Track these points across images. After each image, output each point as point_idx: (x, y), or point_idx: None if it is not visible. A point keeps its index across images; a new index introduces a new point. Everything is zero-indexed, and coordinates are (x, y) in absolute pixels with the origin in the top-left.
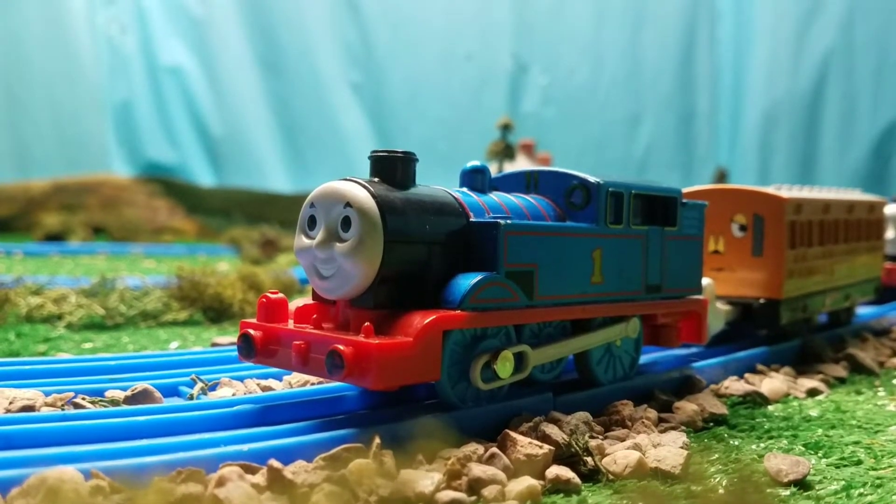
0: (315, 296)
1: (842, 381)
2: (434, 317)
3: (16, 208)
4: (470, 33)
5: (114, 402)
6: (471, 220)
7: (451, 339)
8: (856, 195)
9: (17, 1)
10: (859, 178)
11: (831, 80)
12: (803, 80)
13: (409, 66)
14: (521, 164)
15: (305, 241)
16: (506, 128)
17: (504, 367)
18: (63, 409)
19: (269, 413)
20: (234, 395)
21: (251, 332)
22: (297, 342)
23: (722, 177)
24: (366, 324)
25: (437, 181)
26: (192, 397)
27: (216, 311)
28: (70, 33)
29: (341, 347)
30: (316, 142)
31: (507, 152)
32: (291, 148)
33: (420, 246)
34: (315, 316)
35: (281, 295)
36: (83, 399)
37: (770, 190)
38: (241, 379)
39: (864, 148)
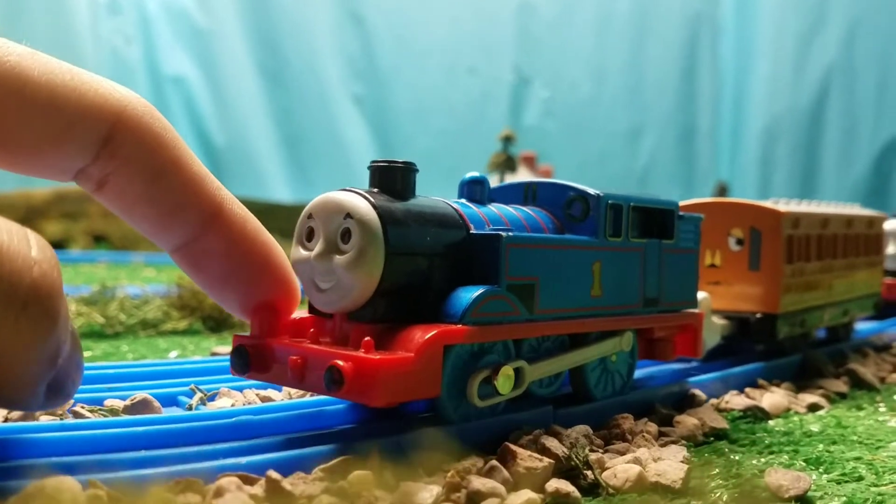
0: (311, 309)
1: (843, 396)
2: (436, 331)
3: (17, 216)
4: (473, 46)
5: (113, 412)
6: (471, 232)
7: (452, 354)
8: (855, 210)
9: (22, 11)
10: (860, 194)
11: (832, 95)
12: (804, 95)
13: (411, 78)
14: (522, 176)
15: (303, 252)
16: (507, 140)
17: (505, 382)
18: (62, 419)
19: (268, 424)
20: (233, 405)
21: (245, 345)
22: (294, 357)
23: (723, 191)
24: (366, 338)
25: (439, 193)
26: (190, 407)
27: (216, 321)
28: (75, 43)
29: (341, 363)
30: (318, 153)
31: (508, 164)
32: (293, 159)
33: (421, 258)
34: (311, 330)
35: (276, 308)
36: (82, 408)
37: (767, 204)
38: (240, 389)
39: (865, 164)
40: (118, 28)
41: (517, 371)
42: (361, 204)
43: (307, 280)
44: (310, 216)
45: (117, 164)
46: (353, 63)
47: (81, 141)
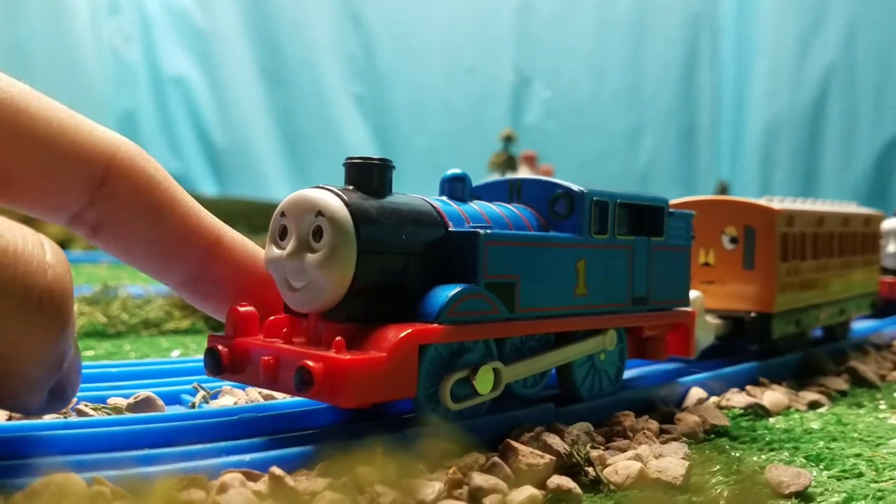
0: (286, 309)
1: (843, 394)
2: (409, 331)
3: (17, 217)
4: (472, 46)
5: (116, 410)
6: (450, 229)
7: (428, 354)
8: (851, 208)
9: (22, 11)
10: (861, 193)
11: (833, 94)
12: (805, 94)
13: (411, 78)
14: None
15: (276, 251)
16: (508, 139)
17: (483, 383)
18: (66, 417)
19: (270, 421)
20: (235, 403)
21: (218, 346)
22: (266, 357)
23: (723, 190)
24: (337, 338)
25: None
26: (193, 406)
27: (217, 320)
28: (75, 43)
29: (310, 363)
30: (318, 152)
31: (509, 164)
32: (294, 158)
33: (395, 256)
34: (285, 329)
35: (250, 308)
36: (86, 406)
37: (761, 201)
38: (242, 387)
39: (865, 163)
40: (118, 28)
41: (494, 372)
42: (333, 201)
43: (281, 279)
44: (282, 214)
45: (114, 206)
46: (352, 63)
47: (76, 179)
